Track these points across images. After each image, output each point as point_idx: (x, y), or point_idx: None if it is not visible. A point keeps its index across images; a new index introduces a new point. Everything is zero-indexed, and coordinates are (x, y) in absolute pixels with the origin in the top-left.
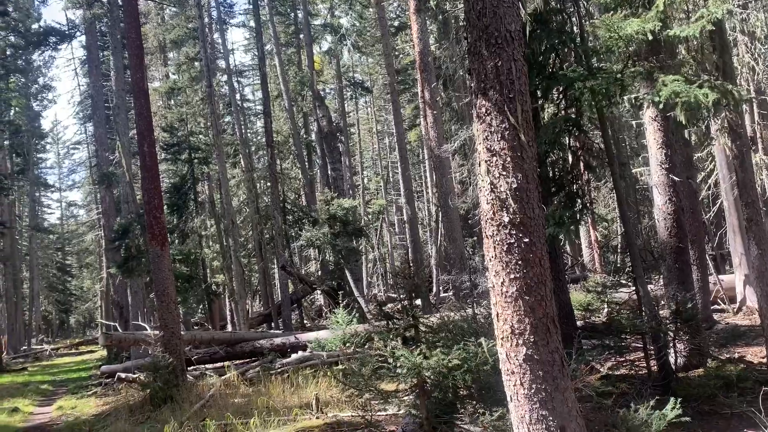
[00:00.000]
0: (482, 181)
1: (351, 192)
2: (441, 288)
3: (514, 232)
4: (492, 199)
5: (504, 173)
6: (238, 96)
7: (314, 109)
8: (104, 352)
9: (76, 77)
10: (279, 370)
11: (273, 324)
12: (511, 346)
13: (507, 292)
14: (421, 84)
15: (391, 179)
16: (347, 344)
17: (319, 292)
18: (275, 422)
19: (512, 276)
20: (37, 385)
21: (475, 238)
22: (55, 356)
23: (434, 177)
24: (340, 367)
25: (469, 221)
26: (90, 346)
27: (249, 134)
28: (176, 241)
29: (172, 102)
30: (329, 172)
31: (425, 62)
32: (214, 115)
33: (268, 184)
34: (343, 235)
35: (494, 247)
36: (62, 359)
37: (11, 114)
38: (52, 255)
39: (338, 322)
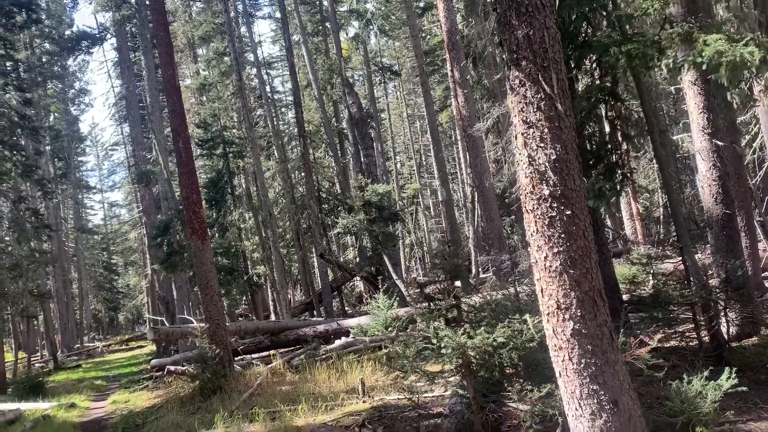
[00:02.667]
0: (519, 154)
1: (384, 177)
2: (480, 269)
3: (555, 204)
4: (531, 173)
5: (542, 145)
6: (267, 88)
7: (344, 96)
8: (153, 347)
9: (110, 79)
10: (323, 356)
11: (315, 312)
12: (557, 321)
13: (551, 266)
14: (450, 63)
15: (424, 163)
16: (389, 328)
17: (358, 278)
18: (323, 408)
19: (555, 250)
20: (92, 381)
21: (513, 217)
22: (106, 353)
23: (468, 157)
24: (383, 351)
25: (506, 200)
26: (139, 341)
27: (280, 126)
28: (216, 235)
29: (204, 98)
30: (362, 159)
31: (453, 41)
32: (245, 108)
33: (302, 174)
34: (379, 220)
35: (535, 221)
36: (113, 355)
37: (51, 119)
38: (98, 255)
39: (379, 307)
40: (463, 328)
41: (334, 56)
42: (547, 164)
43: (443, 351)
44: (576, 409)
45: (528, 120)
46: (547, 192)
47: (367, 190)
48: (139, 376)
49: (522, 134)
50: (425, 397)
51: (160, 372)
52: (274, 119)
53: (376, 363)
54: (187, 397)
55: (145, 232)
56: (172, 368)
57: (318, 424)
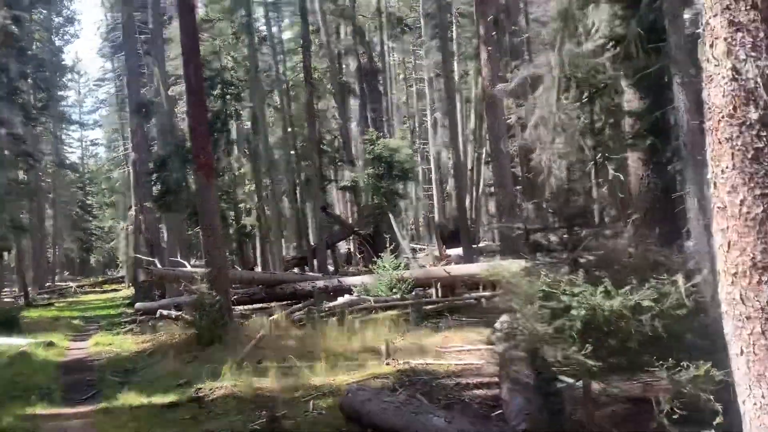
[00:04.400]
0: (717, 66)
1: (389, 135)
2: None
3: (764, 133)
4: (733, 90)
5: (754, 54)
6: (274, 29)
7: (354, 45)
8: (129, 291)
9: (103, 6)
10: (327, 313)
11: (307, 267)
12: (748, 283)
13: (748, 213)
14: (477, 18)
15: (417, 129)
16: (393, 290)
17: (350, 238)
18: (343, 367)
19: (758, 192)
20: (68, 320)
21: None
22: (80, 293)
23: (486, 118)
24: (391, 313)
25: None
26: (114, 285)
27: (284, 72)
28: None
29: (204, 36)
30: (368, 113)
31: None
32: (252, 45)
33: (304, 124)
34: (388, 177)
35: (732, 154)
36: (87, 296)
37: (34, 48)
38: (75, 193)
39: (384, 267)
40: (603, 286)
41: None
42: (758, 79)
43: (574, 312)
44: (763, 396)
45: (736, 20)
46: (754, 116)
47: (379, 144)
48: (121, 319)
49: (725, 39)
50: (457, 365)
51: (145, 316)
52: (279, 63)
53: (392, 324)
54: (181, 345)
55: (132, 170)
56: (165, 312)
57: (357, 385)
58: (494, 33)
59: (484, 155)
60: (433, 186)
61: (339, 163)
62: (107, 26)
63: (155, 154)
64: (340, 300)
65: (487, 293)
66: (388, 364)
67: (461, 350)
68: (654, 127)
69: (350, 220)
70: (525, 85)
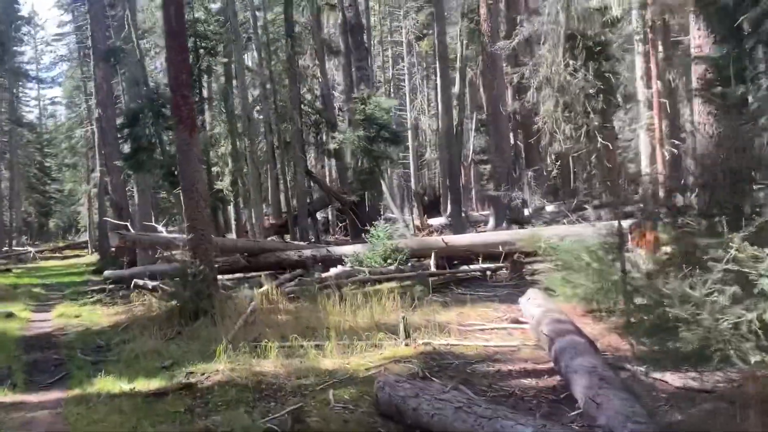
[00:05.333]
0: None
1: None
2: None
3: None
4: None
5: None
6: None
7: None
8: (93, 257)
9: None
10: (320, 285)
11: (287, 236)
12: None
13: None
14: None
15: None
16: (388, 260)
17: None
18: (357, 348)
19: None
20: (28, 288)
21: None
22: (39, 259)
23: (485, 78)
24: (389, 285)
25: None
26: (75, 250)
27: (264, 25)
28: (169, 147)
29: None
30: (353, 72)
31: None
32: None
33: (284, 82)
34: (379, 140)
35: None
36: (48, 263)
37: None
38: (32, 154)
39: (378, 236)
40: None
41: None
42: None
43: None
44: None
45: None
46: None
47: (370, 104)
48: (87, 288)
49: None
50: (488, 347)
51: (114, 285)
52: (257, 16)
53: (396, 298)
54: (160, 319)
55: (96, 128)
56: (141, 282)
57: (392, 375)
58: None
59: (474, 121)
60: (410, 154)
61: (321, 125)
62: None
63: (125, 108)
64: (333, 271)
65: (490, 265)
66: (407, 344)
67: (483, 329)
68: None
69: (333, 186)
70: (527, 43)
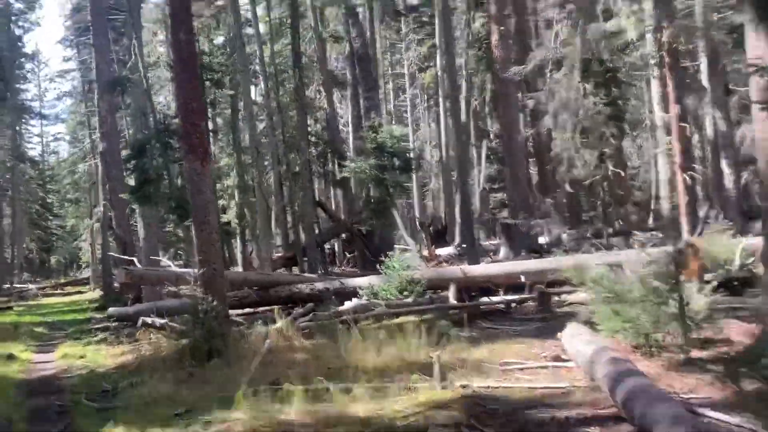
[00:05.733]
0: None
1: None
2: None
3: None
4: None
5: None
6: (260, 9)
7: (347, 27)
8: (95, 294)
9: None
10: (336, 319)
11: (296, 268)
12: None
13: None
14: None
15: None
16: (404, 292)
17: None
18: (387, 391)
19: None
20: (30, 327)
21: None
22: (41, 296)
23: (498, 105)
24: (408, 319)
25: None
26: (77, 286)
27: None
28: (181, 174)
29: None
30: (361, 102)
31: None
32: (237, 24)
33: (291, 112)
34: (392, 168)
35: None
36: (49, 299)
37: None
38: (35, 191)
39: (393, 266)
40: None
41: None
42: None
43: None
44: None
45: None
46: None
47: (382, 132)
48: (90, 326)
49: None
50: (530, 388)
51: (119, 323)
52: (264, 47)
53: (419, 333)
54: (171, 359)
55: (99, 162)
56: (149, 320)
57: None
58: (506, 12)
59: (484, 149)
60: (413, 184)
61: (328, 155)
62: (72, 6)
63: (132, 139)
64: (348, 304)
65: (515, 297)
66: (443, 387)
67: (523, 367)
68: None
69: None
70: (539, 69)
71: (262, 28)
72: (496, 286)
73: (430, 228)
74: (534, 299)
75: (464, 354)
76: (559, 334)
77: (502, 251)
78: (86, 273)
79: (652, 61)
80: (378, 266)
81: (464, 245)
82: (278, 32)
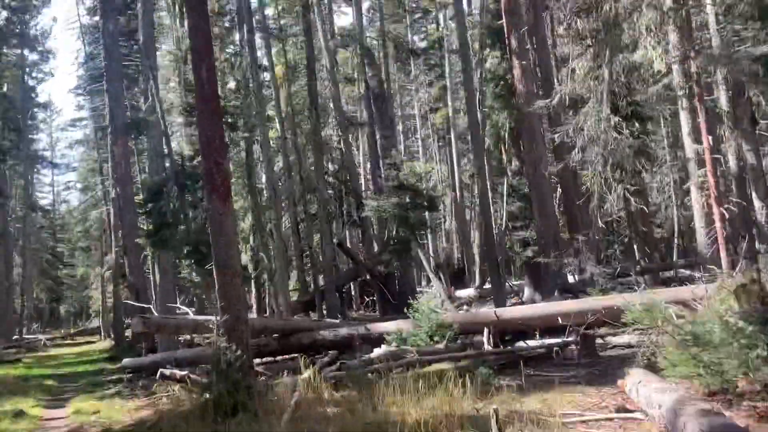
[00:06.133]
0: None
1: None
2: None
3: None
4: None
5: None
6: (274, 51)
7: (362, 67)
8: (106, 344)
9: (81, 36)
10: (366, 369)
11: (316, 313)
12: None
13: None
14: (507, 29)
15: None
16: (434, 338)
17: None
18: None
19: None
20: (40, 380)
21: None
22: (50, 347)
23: (523, 142)
24: (443, 366)
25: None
26: (87, 336)
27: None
28: (198, 217)
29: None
30: (378, 140)
31: (513, 4)
32: (254, 65)
33: (308, 153)
34: (413, 206)
35: None
36: (59, 350)
37: (5, 87)
38: (45, 240)
39: (423, 310)
40: None
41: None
42: None
43: None
44: None
45: None
46: None
47: (404, 169)
48: (103, 378)
49: None
50: None
51: (134, 374)
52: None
53: (458, 381)
54: (193, 415)
55: (111, 208)
56: (168, 372)
57: None
58: (527, 46)
59: (506, 187)
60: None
61: (345, 196)
62: (86, 54)
63: (148, 180)
64: (377, 351)
65: (557, 340)
66: None
67: (585, 419)
68: None
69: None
70: (562, 102)
71: (278, 70)
72: (532, 329)
73: (447, 268)
74: (576, 343)
75: (515, 405)
76: (619, 381)
77: (526, 292)
78: (96, 322)
79: (680, 92)
80: (399, 310)
81: (484, 286)
82: (294, 74)
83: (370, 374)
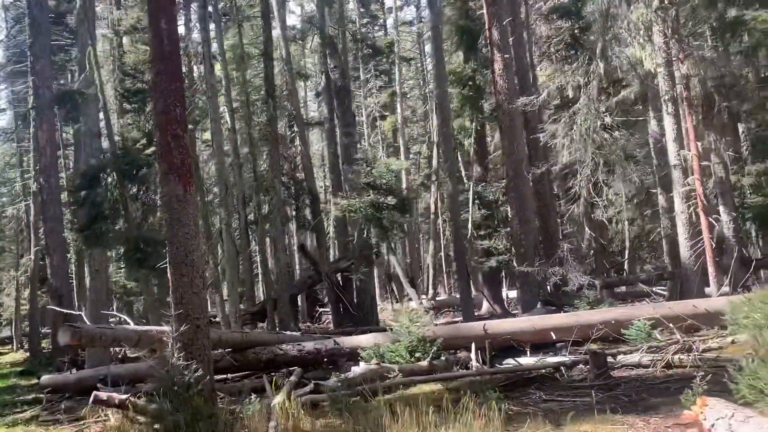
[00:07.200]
0: None
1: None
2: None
3: None
4: None
5: None
6: (229, 35)
7: (324, 59)
8: (18, 356)
9: (3, 12)
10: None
11: (267, 324)
12: None
13: None
14: (488, 21)
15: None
16: (415, 354)
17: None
18: None
19: None
20: None
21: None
22: None
23: (503, 141)
24: (433, 387)
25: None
26: None
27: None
28: (136, 215)
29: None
30: (338, 138)
31: None
32: (205, 45)
33: (262, 149)
34: (388, 207)
35: None
36: None
37: None
38: None
39: (403, 323)
40: None
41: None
42: None
43: None
44: None
45: None
46: None
47: (378, 166)
48: (14, 397)
49: None
50: None
51: (54, 394)
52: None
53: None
54: None
55: (32, 204)
56: (104, 396)
57: None
58: (510, 39)
59: (471, 193)
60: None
61: (301, 197)
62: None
63: (81, 167)
64: (356, 370)
65: (563, 359)
66: None
67: None
68: None
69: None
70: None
71: (230, 55)
72: (522, 344)
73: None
74: (585, 362)
75: None
76: (686, 412)
77: (484, 305)
78: (6, 332)
79: (666, 97)
80: (358, 322)
81: (437, 298)
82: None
83: (353, 398)
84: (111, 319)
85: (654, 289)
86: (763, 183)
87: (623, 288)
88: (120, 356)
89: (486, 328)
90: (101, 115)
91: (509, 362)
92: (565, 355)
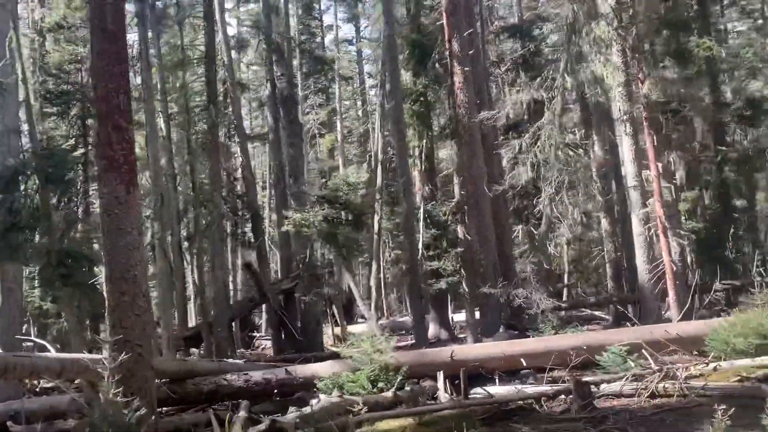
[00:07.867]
0: None
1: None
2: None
3: None
4: None
5: None
6: (166, 35)
7: (270, 65)
8: None
9: None
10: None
11: (202, 350)
12: None
13: None
14: (448, 31)
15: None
16: (378, 383)
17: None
18: None
19: None
20: None
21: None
22: None
23: (461, 156)
24: (401, 422)
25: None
26: None
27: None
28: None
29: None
30: (284, 149)
31: (455, 4)
32: (143, 43)
33: (201, 159)
34: (344, 222)
35: None
36: None
37: None
38: None
39: (365, 349)
40: None
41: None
42: None
43: None
44: None
45: None
46: None
47: (336, 178)
48: None
49: None
50: None
51: None
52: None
53: None
54: None
55: None
56: None
57: None
58: (470, 50)
59: (422, 212)
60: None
61: (240, 212)
62: None
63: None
64: (316, 404)
65: (545, 388)
66: None
67: None
68: None
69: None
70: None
71: (168, 58)
72: (491, 371)
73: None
74: (568, 392)
75: None
76: None
77: (431, 328)
78: None
79: (624, 117)
80: (302, 348)
81: (379, 322)
82: (190, 64)
83: None
84: (26, 343)
85: (595, 313)
86: (699, 209)
87: (562, 313)
88: (35, 388)
89: (453, 355)
90: (22, 110)
91: (478, 391)
92: (533, 383)
